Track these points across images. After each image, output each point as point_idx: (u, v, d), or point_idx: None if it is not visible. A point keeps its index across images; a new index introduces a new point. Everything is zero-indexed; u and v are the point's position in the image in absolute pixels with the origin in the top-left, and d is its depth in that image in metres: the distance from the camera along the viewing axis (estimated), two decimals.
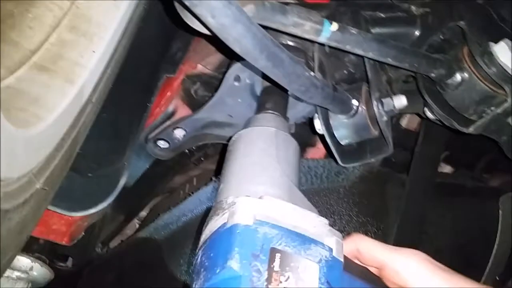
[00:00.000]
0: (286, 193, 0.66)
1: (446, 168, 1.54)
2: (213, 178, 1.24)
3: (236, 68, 1.00)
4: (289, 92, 0.94)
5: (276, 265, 0.51)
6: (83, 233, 1.27)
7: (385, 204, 1.24)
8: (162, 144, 1.22)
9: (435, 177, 1.32)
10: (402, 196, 1.21)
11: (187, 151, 1.32)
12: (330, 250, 0.56)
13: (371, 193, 1.23)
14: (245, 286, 0.48)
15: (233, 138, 0.77)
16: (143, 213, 1.52)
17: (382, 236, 1.18)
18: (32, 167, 0.69)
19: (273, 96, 0.91)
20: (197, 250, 0.58)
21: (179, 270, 1.26)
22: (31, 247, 1.27)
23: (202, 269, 0.53)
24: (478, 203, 1.38)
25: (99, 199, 1.17)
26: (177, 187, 1.49)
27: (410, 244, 1.21)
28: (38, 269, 1.27)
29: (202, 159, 1.41)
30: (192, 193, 1.26)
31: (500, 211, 1.31)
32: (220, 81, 1.04)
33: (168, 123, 1.22)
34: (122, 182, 1.20)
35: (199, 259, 0.56)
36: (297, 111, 1.07)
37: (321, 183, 1.19)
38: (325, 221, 0.59)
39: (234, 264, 0.50)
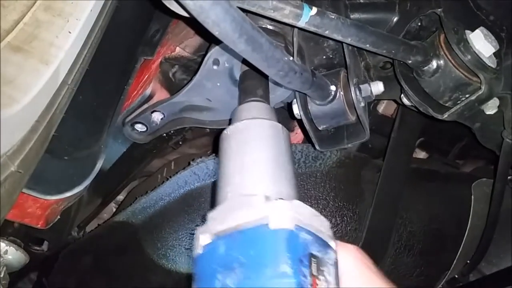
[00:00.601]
0: (297, 193, 0.67)
1: (421, 154, 1.57)
2: (191, 162, 1.24)
3: (215, 51, 0.99)
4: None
5: (314, 269, 0.53)
6: (59, 217, 1.26)
7: (361, 189, 1.25)
8: (139, 127, 1.21)
9: (410, 163, 1.34)
10: (378, 181, 1.23)
11: (165, 134, 1.31)
12: (335, 253, 0.59)
13: (347, 178, 1.24)
14: None
15: (238, 126, 0.75)
16: (120, 197, 1.52)
17: (358, 220, 1.20)
18: (6, 149, 0.68)
19: (258, 81, 0.89)
20: (210, 237, 0.58)
21: (156, 254, 1.26)
22: (5, 231, 1.26)
23: (236, 265, 0.53)
24: (451, 189, 1.41)
25: (75, 182, 1.15)
26: (155, 171, 1.49)
27: (385, 228, 1.25)
28: (12, 253, 1.26)
29: (180, 143, 1.40)
30: (170, 177, 1.25)
31: (473, 197, 1.35)
32: (199, 64, 1.04)
33: (145, 106, 1.21)
34: (98, 165, 1.19)
35: (225, 251, 0.55)
36: (275, 96, 1.07)
37: (298, 168, 1.20)
38: (329, 224, 0.61)
39: (287, 269, 0.51)
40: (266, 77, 0.90)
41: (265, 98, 0.87)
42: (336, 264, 0.57)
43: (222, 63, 1.00)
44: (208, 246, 0.57)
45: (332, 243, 0.59)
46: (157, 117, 1.18)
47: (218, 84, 1.05)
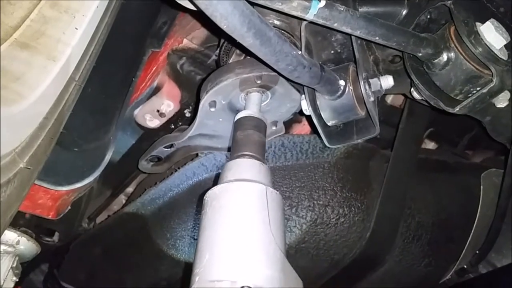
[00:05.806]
0: (279, 271, 0.64)
1: (430, 145, 1.56)
2: (199, 154, 1.24)
3: (209, 96, 0.95)
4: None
5: None
6: (69, 208, 1.27)
7: (369, 180, 1.25)
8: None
9: (418, 153, 1.34)
10: (386, 172, 1.23)
11: (173, 126, 1.32)
12: None
13: (355, 168, 1.24)
14: None
15: (215, 191, 0.71)
16: (130, 189, 1.52)
17: (366, 210, 1.20)
18: (15, 146, 0.68)
19: (252, 132, 0.84)
20: None
21: (166, 244, 1.27)
22: (17, 222, 1.27)
23: None
24: (460, 179, 1.40)
25: (85, 173, 1.16)
26: None
27: (393, 218, 1.25)
28: (24, 243, 1.28)
29: None
30: (179, 168, 1.26)
31: (482, 187, 1.34)
32: (196, 107, 1.00)
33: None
34: (108, 156, 1.20)
35: None
36: (281, 113, 1.05)
37: (306, 159, 1.20)
38: None
39: None
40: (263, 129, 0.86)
41: (257, 151, 0.80)
42: None
43: (219, 102, 0.96)
44: None
45: None
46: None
47: (220, 119, 1.02)
